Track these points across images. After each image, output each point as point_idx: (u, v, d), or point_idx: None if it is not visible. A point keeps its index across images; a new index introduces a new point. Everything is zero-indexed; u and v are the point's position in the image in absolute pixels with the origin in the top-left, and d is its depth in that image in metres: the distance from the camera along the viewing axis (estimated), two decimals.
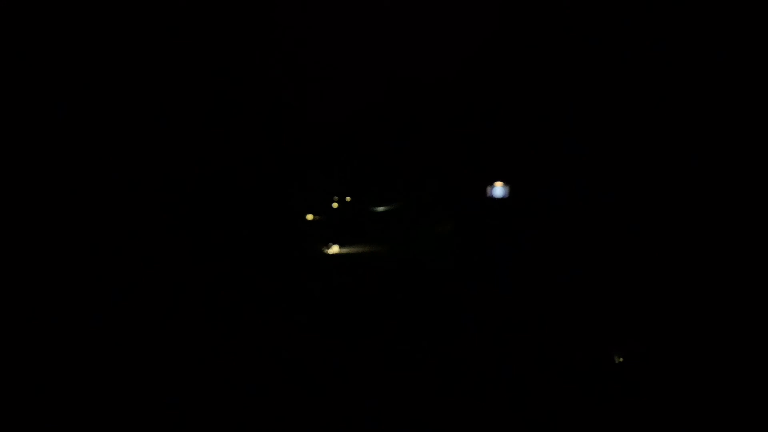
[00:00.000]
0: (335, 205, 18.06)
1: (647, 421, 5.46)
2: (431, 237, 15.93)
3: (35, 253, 8.15)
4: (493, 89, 14.14)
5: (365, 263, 13.42)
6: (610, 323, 7.80)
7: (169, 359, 6.37)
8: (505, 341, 7.37)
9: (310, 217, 16.56)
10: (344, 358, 6.65)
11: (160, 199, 10.20)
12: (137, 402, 5.32)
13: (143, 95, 10.24)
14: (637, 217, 9.94)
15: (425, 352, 7.00)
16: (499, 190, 16.54)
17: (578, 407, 5.62)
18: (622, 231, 9.82)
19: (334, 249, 14.41)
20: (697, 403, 5.71)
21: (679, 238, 9.20)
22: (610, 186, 10.69)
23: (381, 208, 17.88)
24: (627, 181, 10.40)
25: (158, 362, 6.24)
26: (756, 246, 8.13)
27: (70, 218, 8.73)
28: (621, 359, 6.39)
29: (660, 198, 9.81)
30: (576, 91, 11.24)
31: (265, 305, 9.07)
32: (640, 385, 6.12)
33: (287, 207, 16.00)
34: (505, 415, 5.53)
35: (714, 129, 9.23)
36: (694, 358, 6.64)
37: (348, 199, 18.23)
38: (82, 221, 8.86)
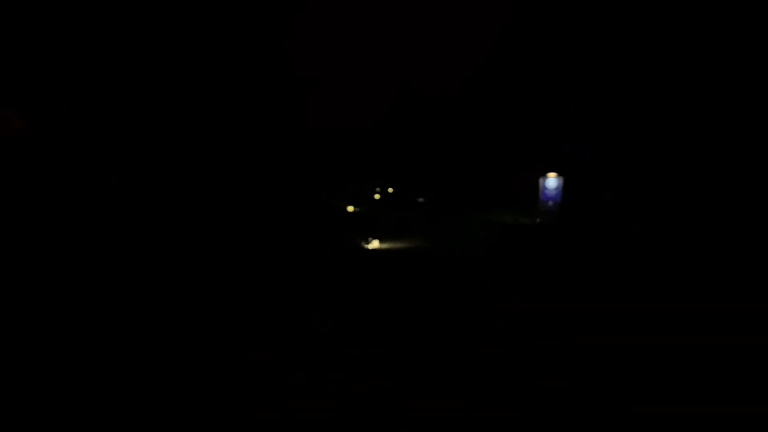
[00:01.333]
0: (377, 196, 17.33)
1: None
2: (479, 231, 14.99)
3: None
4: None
5: (406, 262, 12.56)
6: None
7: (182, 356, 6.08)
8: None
9: (351, 208, 15.91)
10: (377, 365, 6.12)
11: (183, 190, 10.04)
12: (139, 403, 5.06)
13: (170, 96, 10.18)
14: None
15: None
16: (552, 182, 15.44)
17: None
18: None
19: (374, 244, 13.72)
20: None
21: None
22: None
23: (424, 199, 17.04)
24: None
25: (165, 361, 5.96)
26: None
27: (91, 220, 8.69)
28: None
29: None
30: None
31: (292, 305, 8.55)
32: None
33: (327, 198, 15.43)
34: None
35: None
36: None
37: (390, 190, 17.46)
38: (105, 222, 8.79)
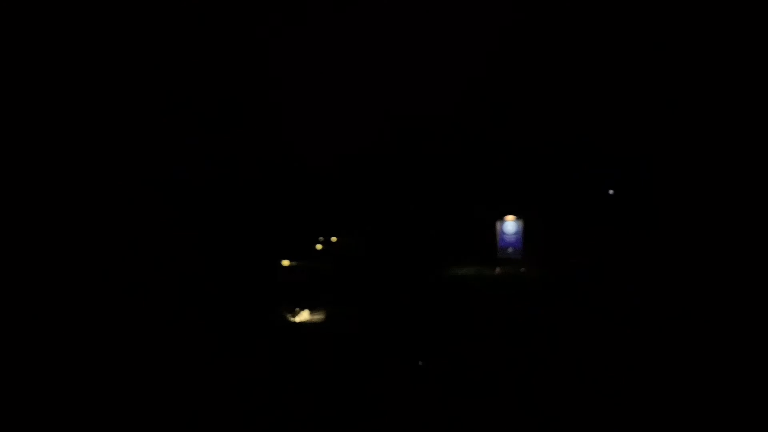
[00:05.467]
0: (319, 246, 15.51)
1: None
2: (440, 290, 13.07)
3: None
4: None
5: (347, 349, 9.80)
6: None
7: None
8: None
9: (286, 262, 14.11)
10: None
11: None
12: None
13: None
14: None
15: None
16: (510, 225, 13.64)
17: None
18: None
19: (303, 316, 11.84)
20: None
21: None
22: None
23: (373, 251, 15.27)
24: None
25: None
26: None
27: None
28: None
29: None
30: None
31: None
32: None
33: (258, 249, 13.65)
34: None
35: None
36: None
37: (334, 239, 15.67)
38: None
